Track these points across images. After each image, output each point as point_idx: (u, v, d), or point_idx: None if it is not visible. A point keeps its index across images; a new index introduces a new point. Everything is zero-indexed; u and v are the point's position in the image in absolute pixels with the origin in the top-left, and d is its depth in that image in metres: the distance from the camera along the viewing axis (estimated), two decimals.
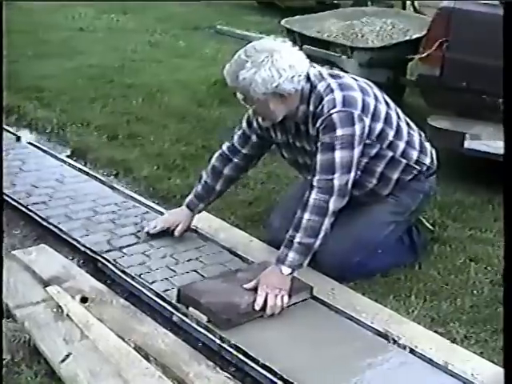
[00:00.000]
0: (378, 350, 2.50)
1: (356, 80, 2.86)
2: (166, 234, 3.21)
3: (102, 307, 2.63)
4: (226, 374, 2.34)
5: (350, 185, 2.75)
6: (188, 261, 3.03)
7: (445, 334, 2.63)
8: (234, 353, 2.44)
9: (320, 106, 2.73)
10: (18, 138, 4.41)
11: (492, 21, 3.47)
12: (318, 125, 2.74)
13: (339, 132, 2.70)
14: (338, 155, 2.70)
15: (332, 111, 2.70)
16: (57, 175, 3.91)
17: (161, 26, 8.22)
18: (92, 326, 2.47)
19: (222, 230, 3.32)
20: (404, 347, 2.51)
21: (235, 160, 3.12)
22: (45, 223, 3.29)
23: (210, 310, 2.59)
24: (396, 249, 3.10)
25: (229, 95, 4.97)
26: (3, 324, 2.42)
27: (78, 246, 3.11)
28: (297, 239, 2.68)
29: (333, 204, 2.71)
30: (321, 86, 2.76)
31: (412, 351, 2.49)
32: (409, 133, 2.98)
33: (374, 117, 2.81)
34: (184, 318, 2.62)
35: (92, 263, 3.01)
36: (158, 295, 2.75)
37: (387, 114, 2.87)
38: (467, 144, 3.85)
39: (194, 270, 2.95)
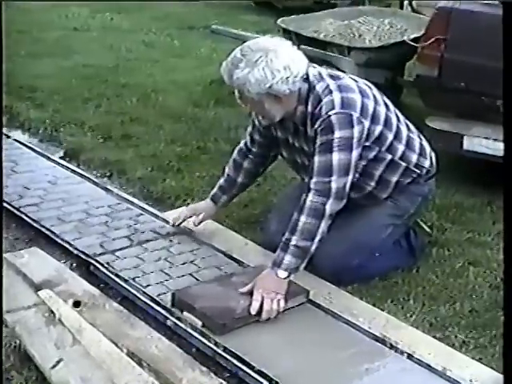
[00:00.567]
0: (376, 356, 2.46)
1: (356, 81, 2.83)
2: (159, 236, 3.17)
3: (95, 311, 2.59)
4: (221, 379, 2.30)
5: (347, 188, 2.72)
6: (183, 264, 2.99)
7: (443, 339, 2.60)
8: (229, 358, 2.40)
9: (318, 107, 2.70)
10: (10, 139, 4.36)
11: (491, 21, 3.42)
12: (316, 126, 2.70)
13: (337, 134, 2.66)
14: (336, 157, 2.67)
15: (330, 113, 2.66)
16: (49, 177, 3.86)
17: (156, 26, 8.17)
18: (84, 331, 2.43)
19: (217, 233, 3.28)
20: (402, 352, 2.48)
21: (250, 156, 3.16)
22: (37, 225, 3.25)
23: (205, 314, 2.56)
24: (394, 252, 3.07)
25: (225, 95, 4.96)
26: None
27: (70, 248, 3.07)
28: (293, 242, 2.65)
29: (330, 207, 2.67)
30: (319, 87, 2.73)
31: (410, 357, 2.46)
32: (408, 135, 2.94)
33: (374, 119, 2.77)
34: (178, 323, 2.58)
35: (85, 266, 2.97)
36: (152, 299, 2.71)
37: (387, 116, 2.84)
38: (466, 145, 3.82)
39: (189, 274, 2.91)
